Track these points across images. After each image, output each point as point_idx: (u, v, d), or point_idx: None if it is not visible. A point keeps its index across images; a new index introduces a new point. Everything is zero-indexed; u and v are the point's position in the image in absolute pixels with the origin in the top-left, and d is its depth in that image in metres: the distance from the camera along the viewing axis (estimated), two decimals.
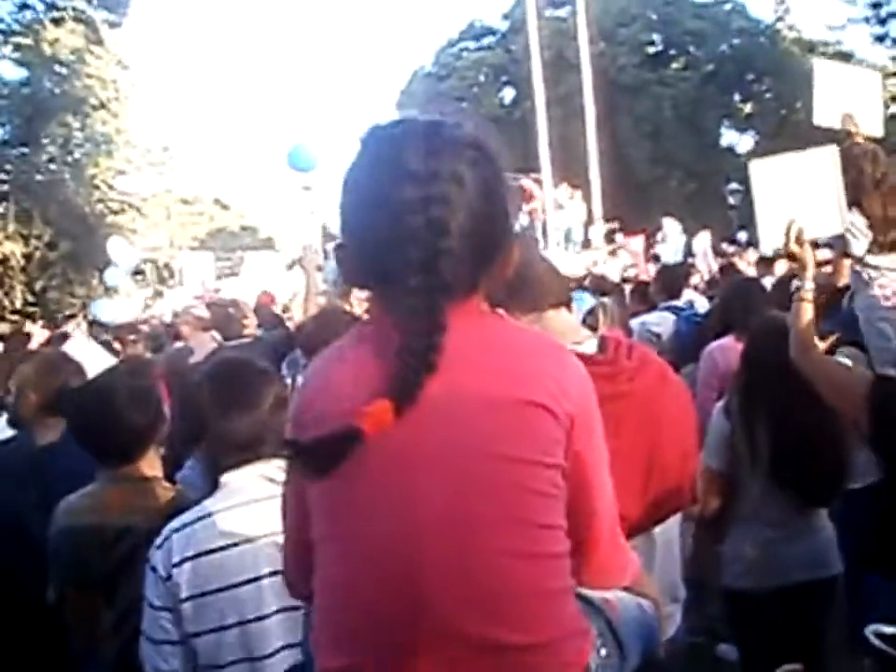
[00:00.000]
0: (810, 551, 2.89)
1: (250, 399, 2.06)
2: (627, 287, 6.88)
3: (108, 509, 2.36)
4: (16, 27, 23.57)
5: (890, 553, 2.39)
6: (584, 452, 1.21)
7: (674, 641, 1.93)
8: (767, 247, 2.91)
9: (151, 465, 2.48)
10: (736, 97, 33.44)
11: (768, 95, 33.10)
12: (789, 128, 28.70)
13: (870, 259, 3.39)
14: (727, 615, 3.18)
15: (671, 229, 13.89)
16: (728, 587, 2.99)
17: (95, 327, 9.60)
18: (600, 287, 5.65)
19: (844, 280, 3.72)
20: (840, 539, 2.98)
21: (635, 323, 5.45)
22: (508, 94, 34.36)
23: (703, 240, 11.60)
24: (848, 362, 3.22)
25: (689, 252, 13.59)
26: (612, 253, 13.39)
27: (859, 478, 2.90)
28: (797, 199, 2.75)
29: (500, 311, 1.82)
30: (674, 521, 1.91)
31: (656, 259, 12.82)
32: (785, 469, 2.82)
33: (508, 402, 1.12)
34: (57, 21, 23.47)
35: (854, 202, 3.28)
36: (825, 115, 3.28)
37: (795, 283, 2.74)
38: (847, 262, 3.61)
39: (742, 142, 33.75)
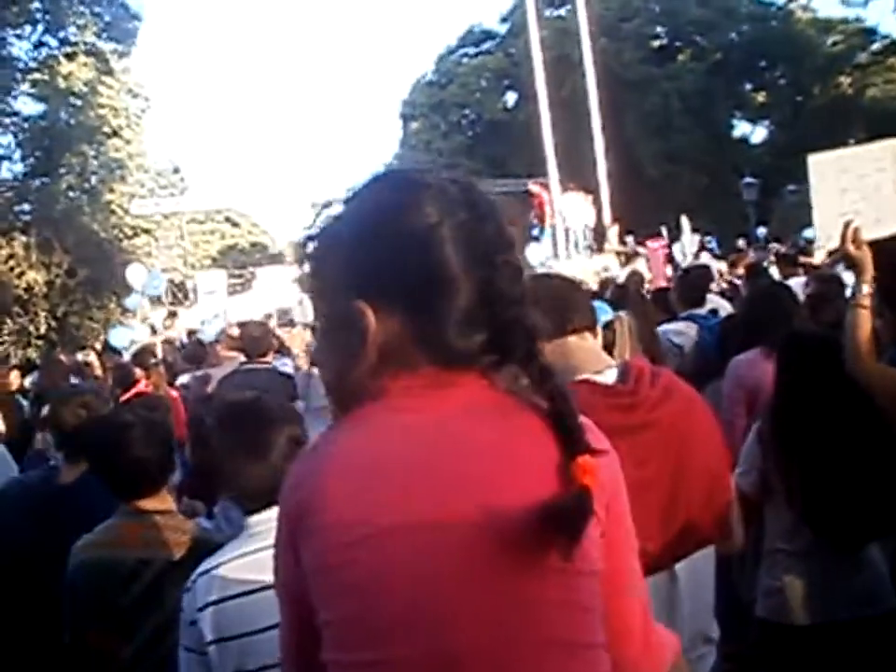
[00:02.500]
0: (854, 587, 2.67)
1: (260, 449, 2.00)
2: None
3: (125, 543, 2.37)
4: (32, 64, 24.40)
5: None
6: (621, 549, 1.09)
7: None
8: (824, 244, 2.80)
9: (164, 499, 2.49)
10: (748, 86, 32.97)
11: (782, 82, 32.54)
12: (806, 115, 28.20)
13: None
14: (763, 645, 2.97)
15: (685, 228, 13.75)
16: (765, 619, 2.80)
17: (108, 353, 9.66)
18: (620, 297, 5.36)
19: None
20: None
21: None
22: (511, 98, 34.34)
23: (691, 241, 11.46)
24: None
25: (707, 251, 13.45)
26: (628, 259, 13.22)
27: None
28: (856, 197, 2.62)
29: None
30: (702, 556, 1.82)
31: (672, 262, 12.62)
32: (815, 512, 2.61)
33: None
34: (70, 56, 24.23)
35: None
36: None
37: (851, 288, 2.57)
38: None
39: (756, 132, 33.36)
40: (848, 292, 2.68)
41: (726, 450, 1.93)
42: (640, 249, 14.36)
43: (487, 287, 0.99)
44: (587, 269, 11.85)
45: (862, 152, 2.80)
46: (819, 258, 8.02)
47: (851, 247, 2.45)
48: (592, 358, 1.82)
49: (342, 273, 1.03)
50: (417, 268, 0.99)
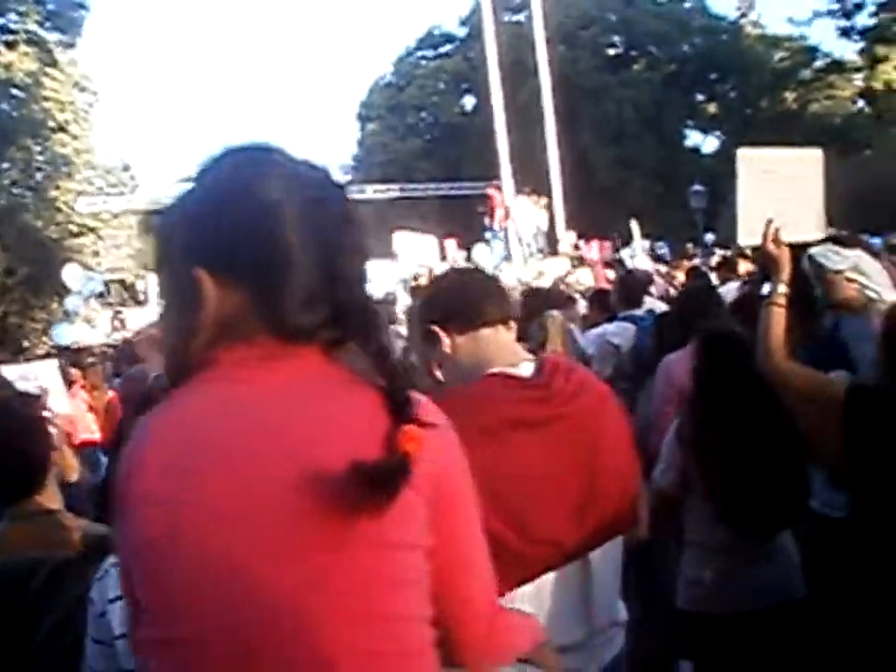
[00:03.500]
0: (768, 577, 2.75)
1: None
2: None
3: (14, 546, 2.29)
4: None
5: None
6: (453, 526, 1.07)
7: (618, 661, 1.87)
8: (744, 241, 2.67)
9: (51, 498, 2.42)
10: (700, 97, 33.71)
11: (733, 94, 33.38)
12: (754, 127, 28.94)
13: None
14: (685, 635, 3.04)
15: (635, 233, 13.87)
16: (685, 610, 2.87)
17: (55, 351, 9.46)
18: (552, 299, 5.45)
19: (846, 295, 3.30)
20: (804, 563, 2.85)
21: (593, 334, 5.25)
22: (469, 102, 34.44)
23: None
24: None
25: (656, 257, 13.57)
26: (580, 262, 13.29)
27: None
28: (779, 198, 2.61)
29: (437, 329, 1.79)
30: (611, 544, 1.84)
31: (622, 264, 12.72)
32: (733, 502, 2.67)
33: None
34: (10, 45, 23.52)
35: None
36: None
37: (767, 287, 2.57)
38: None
39: (707, 142, 34.04)
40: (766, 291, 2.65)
41: (634, 446, 1.93)
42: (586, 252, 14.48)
43: (329, 265, 1.01)
44: (534, 272, 11.85)
45: (790, 156, 2.80)
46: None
47: (772, 246, 2.45)
48: (505, 352, 1.82)
49: (186, 244, 1.04)
50: (260, 242, 1.00)
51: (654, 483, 2.89)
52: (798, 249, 2.73)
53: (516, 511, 1.63)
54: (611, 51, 33.12)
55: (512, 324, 1.91)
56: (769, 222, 2.48)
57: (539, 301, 5.26)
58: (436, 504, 1.02)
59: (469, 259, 15.63)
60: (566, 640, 1.73)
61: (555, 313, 4.51)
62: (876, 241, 8.73)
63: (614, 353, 4.91)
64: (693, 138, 34.07)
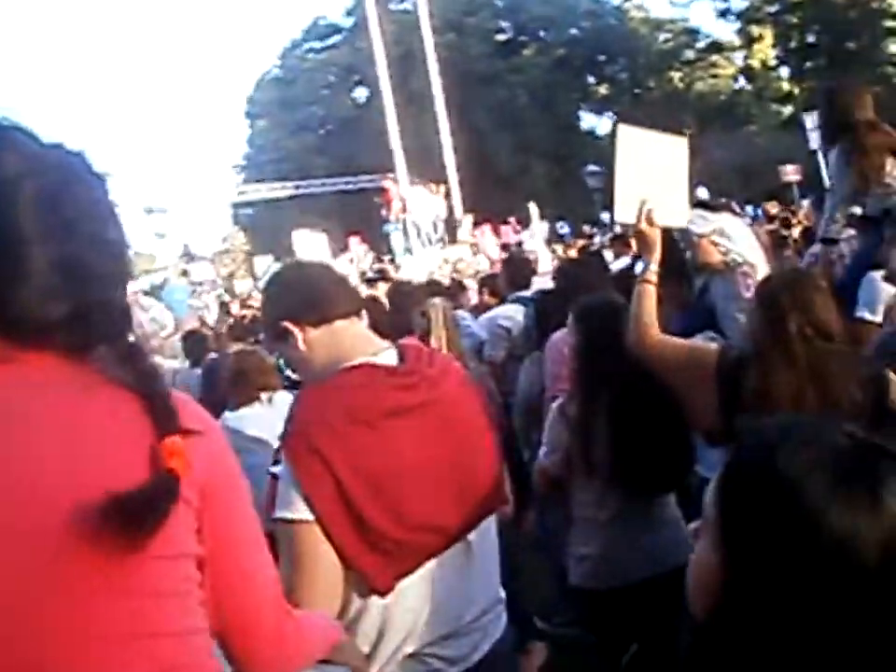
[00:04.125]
0: (654, 547, 2.77)
1: None
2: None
3: None
4: None
5: None
6: (226, 533, 1.02)
7: (506, 636, 1.90)
8: (621, 218, 2.67)
9: None
10: (591, 79, 34.16)
11: (622, 76, 34.02)
12: (644, 107, 29.60)
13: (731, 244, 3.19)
14: (579, 611, 3.10)
15: (533, 215, 13.97)
16: (577, 586, 2.88)
17: None
18: (433, 289, 5.40)
19: (711, 258, 3.34)
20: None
21: (484, 318, 5.24)
22: (361, 94, 34.00)
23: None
24: None
25: (559, 238, 13.73)
26: (475, 249, 13.33)
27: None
28: (652, 180, 2.64)
29: (289, 325, 1.74)
30: (487, 523, 1.87)
31: (520, 247, 12.80)
32: (623, 470, 2.70)
33: None
34: None
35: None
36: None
37: (639, 264, 2.60)
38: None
39: (602, 124, 34.62)
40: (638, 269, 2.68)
41: (495, 423, 1.99)
42: (494, 239, 14.49)
43: (69, 258, 0.91)
44: (437, 260, 11.81)
45: (666, 140, 2.81)
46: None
47: (645, 226, 2.49)
48: (362, 342, 1.80)
49: None
50: None
51: (539, 464, 2.91)
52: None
53: (394, 498, 1.64)
54: (501, 37, 33.31)
55: (364, 314, 1.89)
56: (642, 203, 2.51)
57: (422, 291, 5.22)
58: (205, 512, 0.97)
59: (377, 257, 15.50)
60: (455, 625, 1.76)
61: (437, 301, 4.44)
62: (752, 209, 9.04)
63: (506, 336, 4.89)
64: (588, 120, 34.62)
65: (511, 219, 15.97)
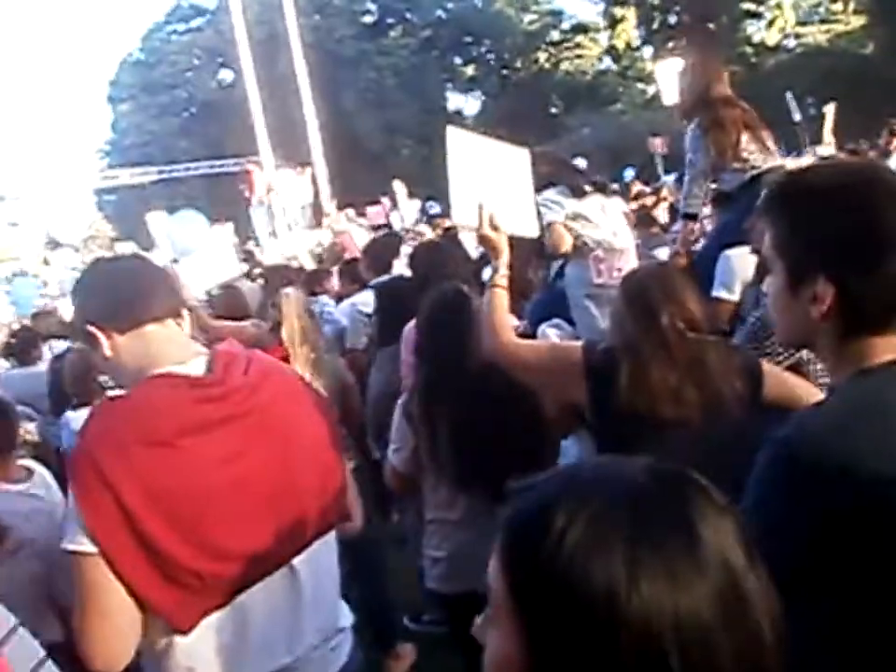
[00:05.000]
0: None
1: None
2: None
3: None
4: None
5: None
6: None
7: (348, 668, 1.75)
8: (459, 220, 2.56)
9: None
10: (458, 60, 34.24)
11: (489, 57, 34.24)
12: (511, 88, 29.96)
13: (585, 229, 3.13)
14: (439, 615, 3.00)
15: (400, 194, 13.76)
16: (432, 589, 2.77)
17: None
18: (286, 277, 5.14)
19: (562, 243, 3.35)
20: None
21: (345, 305, 5.07)
22: (227, 76, 33.04)
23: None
24: (555, 336, 3.04)
25: (429, 218, 13.52)
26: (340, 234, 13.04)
27: None
28: (492, 185, 2.53)
29: (94, 330, 1.58)
30: (322, 545, 1.70)
31: (389, 228, 12.59)
32: (469, 471, 2.58)
33: None
34: None
35: None
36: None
37: (489, 270, 2.48)
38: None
39: (469, 104, 34.82)
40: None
41: (337, 431, 1.83)
42: (361, 221, 14.20)
43: None
44: (303, 245, 11.47)
45: (504, 148, 2.71)
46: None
47: (488, 230, 2.38)
48: (172, 349, 1.64)
49: None
50: None
51: (389, 463, 2.79)
52: None
53: (195, 525, 1.45)
54: (367, 19, 32.99)
55: (186, 315, 1.73)
56: (481, 207, 2.40)
57: (278, 279, 4.98)
58: None
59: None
60: (282, 661, 1.58)
61: (290, 290, 4.21)
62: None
63: (367, 322, 4.71)
64: (455, 101, 34.73)
65: (384, 200, 15.75)
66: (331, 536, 1.75)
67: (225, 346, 1.74)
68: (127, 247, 16.87)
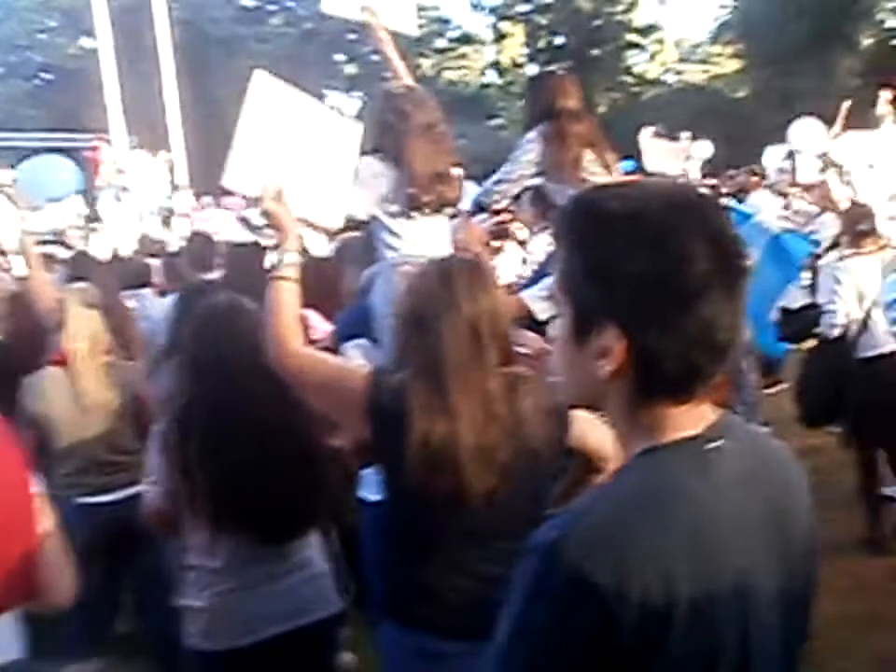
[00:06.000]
0: (288, 596, 2.45)
1: None
2: None
3: None
4: None
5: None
6: None
7: None
8: (230, 183, 2.15)
9: None
10: (340, 57, 33.57)
11: (373, 57, 33.79)
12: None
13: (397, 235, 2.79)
14: None
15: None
16: (194, 647, 2.45)
17: None
18: (85, 268, 4.32)
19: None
20: None
21: (167, 301, 4.50)
22: (87, 44, 30.97)
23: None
24: (358, 357, 2.79)
25: None
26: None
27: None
28: (294, 154, 2.22)
29: None
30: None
31: (247, 222, 11.74)
32: (228, 511, 2.35)
33: None
34: None
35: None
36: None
37: (275, 255, 2.15)
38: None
39: (348, 104, 34.22)
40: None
41: (27, 486, 1.57)
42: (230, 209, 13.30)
43: None
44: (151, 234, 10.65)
45: (324, 114, 2.42)
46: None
47: (272, 203, 2.09)
48: None
49: None
50: None
51: (145, 499, 2.55)
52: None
53: None
54: (247, 2, 31.94)
55: None
56: (269, 174, 2.12)
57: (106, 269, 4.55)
58: None
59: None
60: None
61: (80, 286, 3.49)
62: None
63: None
64: (334, 99, 34.09)
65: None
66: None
67: None
68: None
